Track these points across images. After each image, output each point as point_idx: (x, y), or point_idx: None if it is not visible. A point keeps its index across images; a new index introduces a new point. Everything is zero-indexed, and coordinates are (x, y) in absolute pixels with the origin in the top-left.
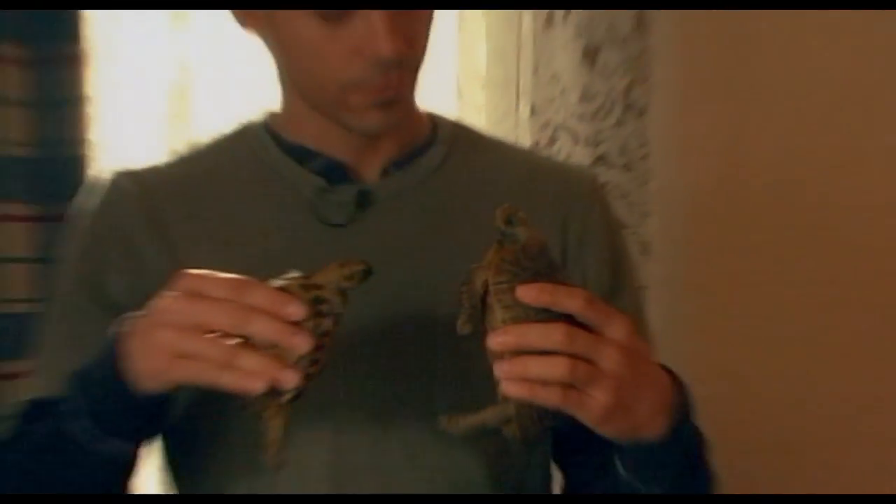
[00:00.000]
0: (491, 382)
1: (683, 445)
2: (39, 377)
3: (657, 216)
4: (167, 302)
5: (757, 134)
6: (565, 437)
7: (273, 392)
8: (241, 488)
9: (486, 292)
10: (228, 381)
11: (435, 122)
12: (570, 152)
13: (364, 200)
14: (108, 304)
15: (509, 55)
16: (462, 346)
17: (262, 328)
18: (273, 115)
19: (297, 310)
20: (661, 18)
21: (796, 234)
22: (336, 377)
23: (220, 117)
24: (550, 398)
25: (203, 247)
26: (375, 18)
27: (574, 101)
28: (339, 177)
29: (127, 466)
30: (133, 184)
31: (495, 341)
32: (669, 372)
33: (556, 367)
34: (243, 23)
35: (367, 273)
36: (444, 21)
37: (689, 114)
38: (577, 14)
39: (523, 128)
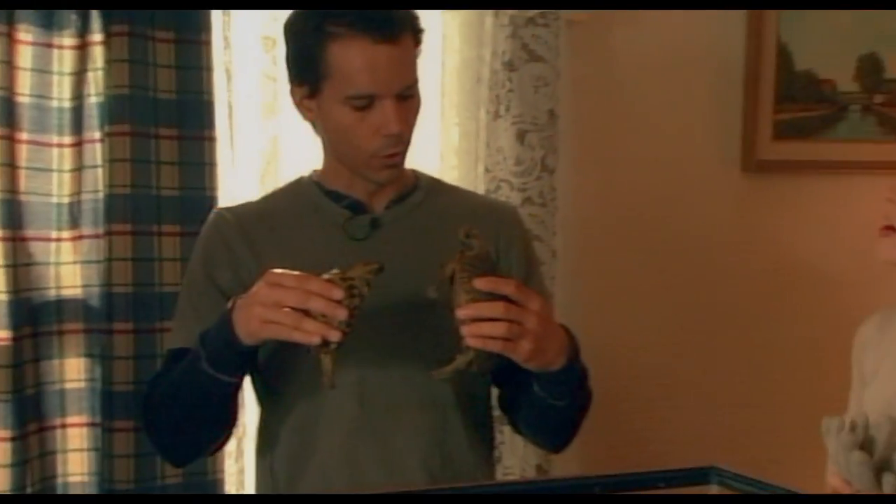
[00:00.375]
0: (454, 339)
1: (575, 372)
2: (175, 333)
3: (561, 234)
4: (259, 288)
5: (626, 187)
6: (503, 369)
7: (325, 343)
8: (305, 402)
9: (452, 280)
10: (297, 337)
11: (416, 175)
12: (508, 195)
13: (375, 224)
14: (217, 288)
15: (471, 135)
16: (434, 318)
17: (316, 305)
18: (316, 171)
19: (338, 293)
20: (565, 115)
21: (656, 247)
22: (361, 338)
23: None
24: (496, 347)
25: (276, 254)
26: (389, 107)
27: (511, 164)
28: (360, 210)
29: (232, 390)
30: (232, 215)
31: (462, 314)
32: (564, 328)
33: (498, 328)
34: (305, 116)
35: (381, 269)
36: (431, 112)
37: (581, 173)
38: (513, 110)
39: (479, 181)
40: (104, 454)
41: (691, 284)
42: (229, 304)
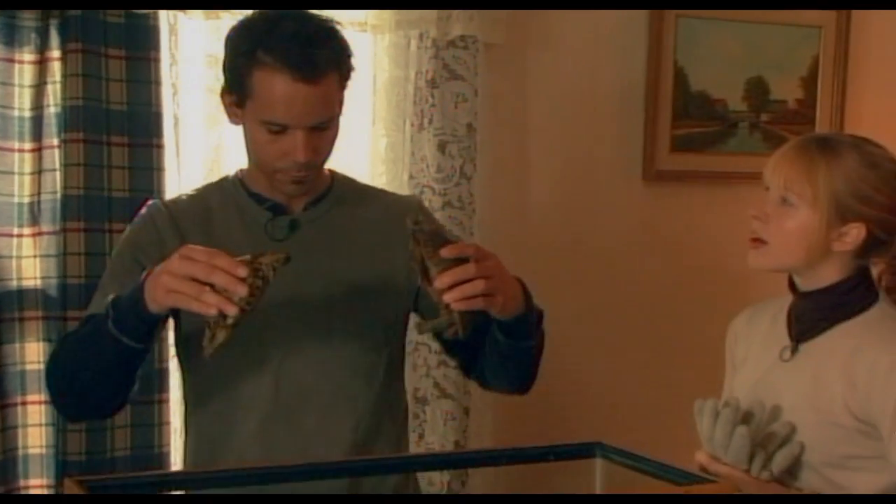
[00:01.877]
0: (366, 332)
1: (534, 313)
2: (94, 302)
3: (478, 235)
4: (171, 260)
5: (537, 193)
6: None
7: (222, 316)
8: (223, 387)
9: (422, 260)
10: (195, 307)
11: (333, 175)
12: (430, 199)
13: (294, 225)
14: (142, 269)
15: (398, 145)
16: (344, 302)
17: (219, 279)
18: (242, 170)
19: (242, 271)
20: (482, 128)
21: (565, 247)
22: (277, 327)
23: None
24: (479, 304)
25: (203, 242)
26: (298, 136)
27: (433, 172)
28: (280, 211)
29: (133, 356)
30: (166, 208)
31: (441, 283)
32: (516, 277)
33: (478, 286)
34: (231, 119)
35: (288, 259)
36: (362, 125)
37: (496, 180)
38: (435, 123)
39: (405, 186)
40: (58, 429)
41: (596, 281)
42: (143, 274)
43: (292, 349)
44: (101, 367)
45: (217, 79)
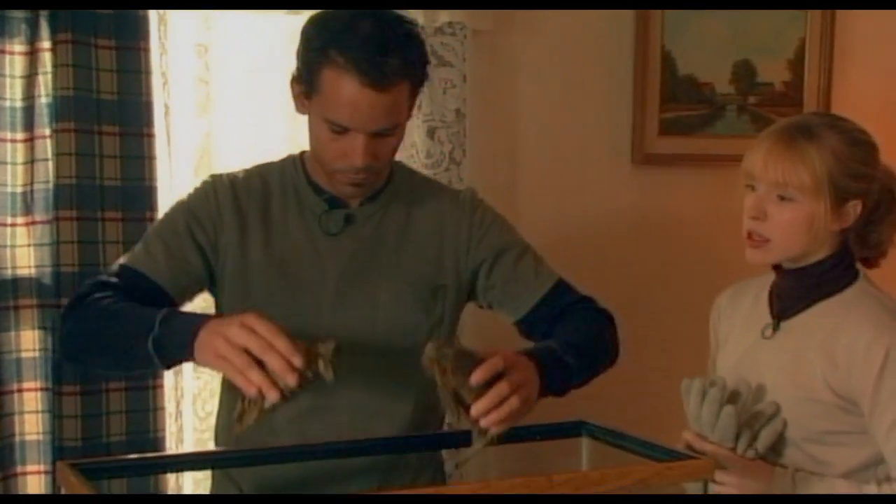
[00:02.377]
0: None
1: (564, 373)
2: (135, 254)
3: None
4: (232, 323)
5: (526, 177)
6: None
7: (261, 396)
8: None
9: (454, 393)
10: (239, 381)
11: (393, 169)
12: None
13: (349, 220)
14: (192, 240)
15: None
16: (391, 302)
17: (274, 362)
18: (305, 154)
19: (297, 360)
20: (470, 113)
21: (555, 230)
22: (326, 314)
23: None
24: (515, 421)
25: (259, 230)
26: (359, 139)
27: (423, 157)
28: (337, 204)
29: (153, 365)
30: (230, 183)
31: (478, 410)
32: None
33: (514, 404)
34: (298, 108)
35: (339, 349)
36: None
37: (485, 165)
38: (424, 109)
39: None
40: (54, 415)
41: (586, 264)
42: (201, 320)
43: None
44: (120, 360)
45: (207, 69)
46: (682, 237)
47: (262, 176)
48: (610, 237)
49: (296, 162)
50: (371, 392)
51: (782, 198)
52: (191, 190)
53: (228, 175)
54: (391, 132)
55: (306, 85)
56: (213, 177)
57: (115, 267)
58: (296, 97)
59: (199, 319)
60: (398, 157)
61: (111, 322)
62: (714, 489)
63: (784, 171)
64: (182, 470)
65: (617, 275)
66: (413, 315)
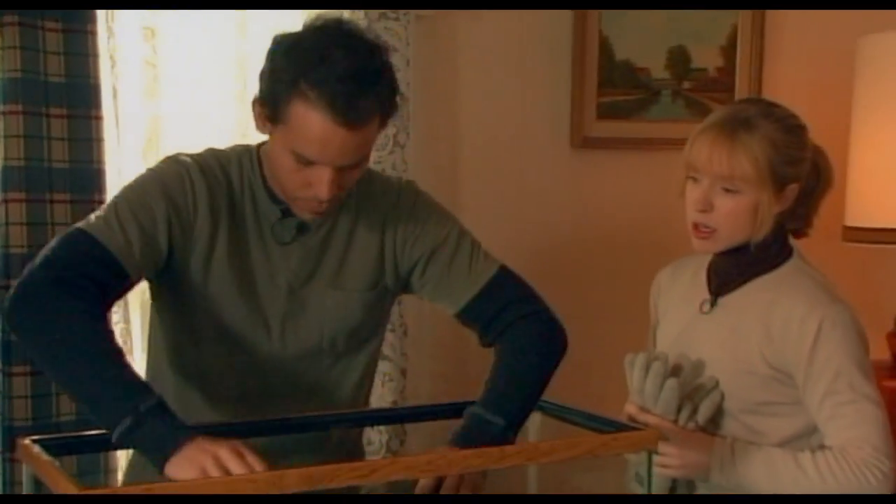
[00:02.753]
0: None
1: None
2: (98, 221)
3: None
4: (223, 445)
5: (468, 160)
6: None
7: None
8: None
9: None
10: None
11: None
12: None
13: (301, 229)
14: (168, 225)
15: None
16: (340, 304)
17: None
18: (262, 152)
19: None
20: (414, 97)
21: (496, 211)
22: (277, 316)
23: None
24: None
25: (226, 225)
26: (326, 173)
27: None
28: (289, 213)
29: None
30: (200, 172)
31: None
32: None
33: None
34: (257, 126)
35: None
36: None
37: (429, 148)
38: None
39: None
40: (4, 396)
41: (526, 244)
42: (187, 434)
43: (285, 344)
44: (73, 395)
45: (155, 53)
46: (620, 217)
47: (223, 168)
48: (549, 218)
49: (252, 161)
50: (317, 391)
51: (727, 189)
52: (161, 168)
53: (196, 160)
54: (357, 164)
55: (271, 111)
56: (183, 161)
57: (74, 233)
58: (257, 117)
59: (186, 433)
60: None
61: (86, 362)
62: (656, 460)
63: (729, 165)
64: None
65: (557, 255)
66: (358, 318)
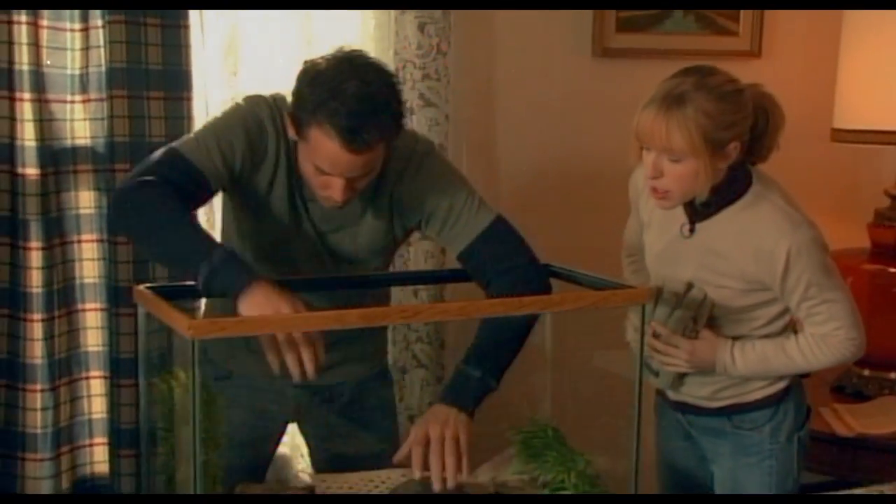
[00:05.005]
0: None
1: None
2: (190, 142)
3: (451, 102)
4: (285, 302)
5: (502, 66)
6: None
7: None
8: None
9: None
10: (267, 353)
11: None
12: (412, 72)
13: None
14: (232, 147)
15: (384, 26)
16: (351, 266)
17: (303, 355)
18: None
19: (320, 361)
20: (456, 12)
21: (525, 112)
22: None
23: None
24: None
25: (278, 169)
26: (338, 181)
27: (414, 48)
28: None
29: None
30: (271, 125)
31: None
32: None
33: (454, 455)
34: (292, 137)
35: None
36: (354, 13)
37: (467, 56)
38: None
39: (390, 61)
40: (110, 261)
41: (553, 141)
42: (250, 279)
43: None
44: (168, 262)
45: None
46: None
47: (277, 135)
48: (573, 119)
49: (291, 149)
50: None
51: (672, 159)
52: (244, 108)
53: (271, 110)
54: (368, 174)
55: (298, 129)
56: (263, 107)
57: (168, 151)
58: (289, 126)
59: (254, 275)
60: (395, 46)
61: (170, 231)
62: (670, 361)
63: (667, 139)
64: None
65: (579, 151)
66: (371, 265)
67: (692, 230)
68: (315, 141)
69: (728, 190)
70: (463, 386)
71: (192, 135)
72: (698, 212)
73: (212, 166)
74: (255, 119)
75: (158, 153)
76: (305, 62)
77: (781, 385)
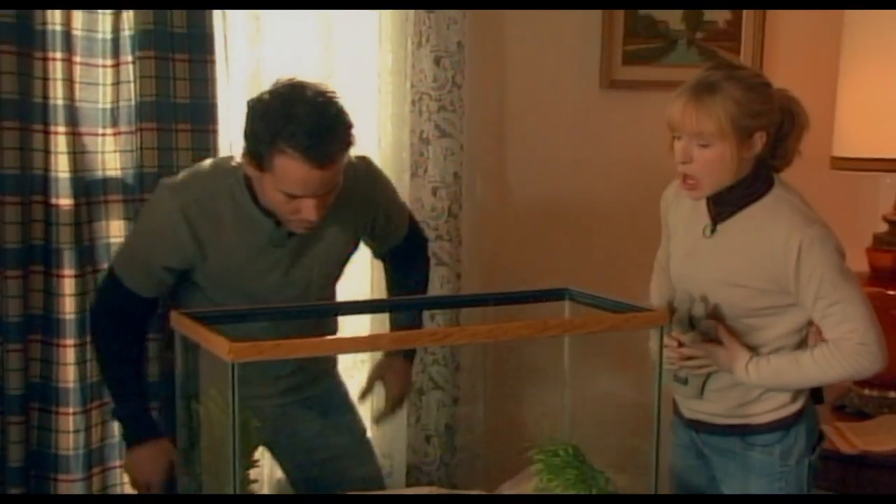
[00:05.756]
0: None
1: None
2: (125, 267)
3: (466, 132)
4: (138, 471)
5: (514, 98)
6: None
7: None
8: None
9: None
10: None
11: None
12: (428, 105)
13: (292, 233)
14: (166, 265)
15: (401, 60)
16: (318, 286)
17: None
18: (248, 179)
19: None
20: (469, 46)
21: (535, 141)
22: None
23: None
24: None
25: (218, 251)
26: (310, 202)
27: (430, 81)
28: (279, 223)
29: None
30: (183, 218)
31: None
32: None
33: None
34: (250, 174)
35: None
36: (373, 43)
37: (481, 89)
38: (432, 41)
39: (407, 94)
40: None
41: (562, 170)
42: (142, 440)
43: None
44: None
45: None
46: (642, 148)
47: (213, 197)
48: (580, 149)
49: (243, 190)
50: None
51: (700, 144)
52: (150, 223)
53: (182, 206)
54: (335, 188)
55: (257, 163)
56: (169, 213)
57: (110, 277)
58: (246, 166)
59: (137, 436)
60: (412, 79)
61: (107, 372)
62: (695, 364)
63: (697, 124)
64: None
65: (587, 181)
66: (335, 274)
67: (714, 230)
68: (280, 168)
69: (750, 188)
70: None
71: (123, 257)
72: (721, 212)
73: (148, 287)
74: (161, 230)
75: (105, 277)
76: (249, 101)
77: (794, 408)
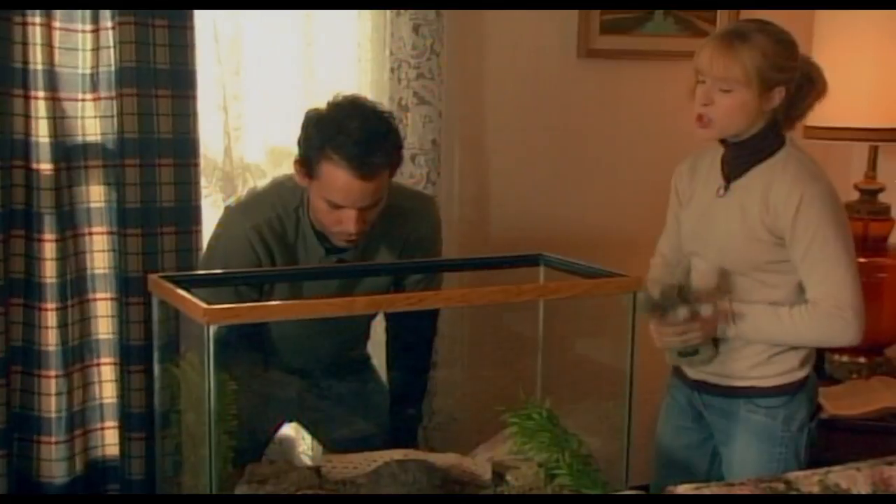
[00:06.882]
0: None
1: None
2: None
3: (445, 100)
4: None
5: (494, 66)
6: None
7: None
8: None
9: None
10: None
11: None
12: (407, 71)
13: (340, 260)
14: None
15: (380, 27)
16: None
17: None
18: (309, 204)
19: None
20: (448, 16)
21: (515, 109)
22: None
23: None
24: None
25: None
26: (351, 213)
27: (409, 49)
28: (330, 250)
29: None
30: (258, 236)
31: None
32: None
33: None
34: (300, 182)
35: None
36: (353, 12)
37: (461, 56)
38: (410, 11)
39: (385, 62)
40: (120, 252)
41: (541, 138)
42: None
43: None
44: None
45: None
46: (619, 117)
47: (280, 219)
48: (559, 118)
49: (303, 210)
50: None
51: (723, 89)
52: (226, 245)
53: (253, 223)
54: (376, 204)
55: (308, 169)
56: (248, 231)
57: None
58: (298, 174)
59: None
60: (391, 47)
61: None
62: (688, 338)
63: (723, 68)
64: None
65: (566, 146)
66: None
67: (727, 188)
68: (326, 175)
69: (761, 145)
70: None
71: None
72: (733, 170)
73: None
74: (241, 252)
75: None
76: (308, 111)
77: (801, 374)
